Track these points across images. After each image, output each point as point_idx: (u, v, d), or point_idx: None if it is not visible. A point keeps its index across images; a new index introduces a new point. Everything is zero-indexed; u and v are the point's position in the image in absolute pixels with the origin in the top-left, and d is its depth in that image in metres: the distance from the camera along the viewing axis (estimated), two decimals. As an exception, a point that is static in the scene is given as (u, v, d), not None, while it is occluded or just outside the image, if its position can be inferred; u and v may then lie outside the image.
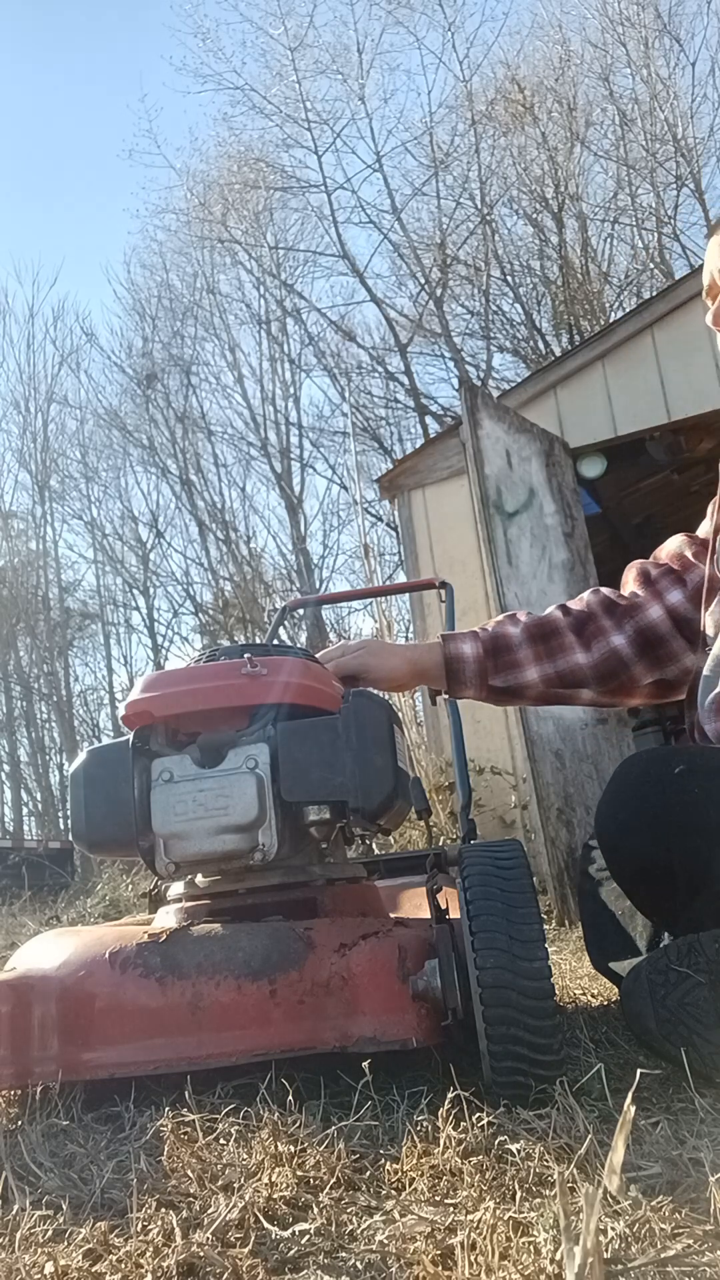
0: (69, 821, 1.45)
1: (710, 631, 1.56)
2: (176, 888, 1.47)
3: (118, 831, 1.36)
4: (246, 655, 1.41)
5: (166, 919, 1.44)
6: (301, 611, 13.43)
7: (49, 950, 1.36)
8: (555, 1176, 0.84)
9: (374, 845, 2.42)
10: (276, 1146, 0.99)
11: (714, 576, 1.59)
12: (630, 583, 1.74)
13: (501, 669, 1.67)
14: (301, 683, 1.38)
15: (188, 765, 1.36)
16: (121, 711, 1.43)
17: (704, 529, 1.72)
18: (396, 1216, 0.84)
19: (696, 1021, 1.17)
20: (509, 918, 1.14)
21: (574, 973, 2.15)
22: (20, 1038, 1.24)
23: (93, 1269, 0.79)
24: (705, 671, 1.53)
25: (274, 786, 1.34)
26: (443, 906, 1.25)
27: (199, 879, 1.44)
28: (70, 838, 1.47)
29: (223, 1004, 1.21)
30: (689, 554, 1.70)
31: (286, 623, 12.98)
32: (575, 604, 1.73)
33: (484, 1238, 0.75)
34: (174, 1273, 0.76)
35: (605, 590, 1.73)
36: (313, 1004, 1.20)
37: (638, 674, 1.66)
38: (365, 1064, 1.11)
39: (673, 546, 1.75)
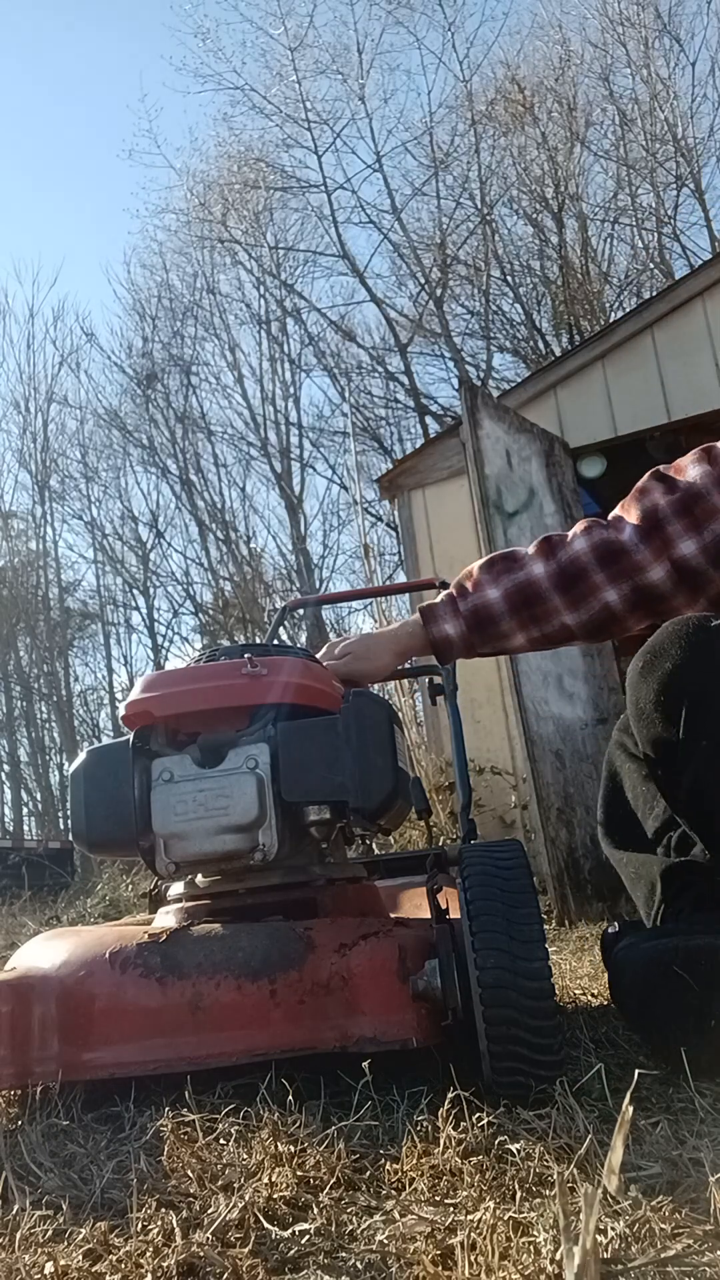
0: (69, 821, 1.45)
1: None
2: (177, 888, 1.47)
3: (118, 831, 1.37)
4: (247, 655, 1.41)
5: (166, 919, 1.44)
6: (301, 611, 13.43)
7: (49, 950, 1.36)
8: (555, 1176, 0.84)
9: (374, 845, 2.42)
10: (276, 1146, 0.99)
11: None
12: (634, 515, 1.56)
13: (487, 640, 1.62)
14: (301, 683, 1.39)
15: (188, 765, 1.36)
16: (122, 711, 1.43)
17: None
18: (396, 1216, 0.84)
19: (677, 1026, 1.18)
20: (509, 918, 1.14)
21: (574, 973, 2.15)
22: (20, 1038, 1.24)
23: (93, 1269, 0.79)
24: None
25: (274, 786, 1.34)
26: (443, 906, 1.25)
27: (199, 879, 1.44)
28: (70, 837, 1.47)
29: (223, 1004, 1.21)
30: (716, 498, 1.52)
31: (286, 623, 12.98)
32: (565, 551, 1.58)
33: (484, 1238, 0.75)
34: (174, 1273, 0.76)
35: (602, 532, 1.56)
36: (313, 1004, 1.20)
37: (630, 625, 1.60)
38: (365, 1064, 1.11)
39: (696, 478, 1.54)
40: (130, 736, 1.40)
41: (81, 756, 1.43)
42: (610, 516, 1.60)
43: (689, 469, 1.57)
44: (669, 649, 1.37)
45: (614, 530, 1.57)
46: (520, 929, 1.14)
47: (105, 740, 3.77)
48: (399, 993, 1.20)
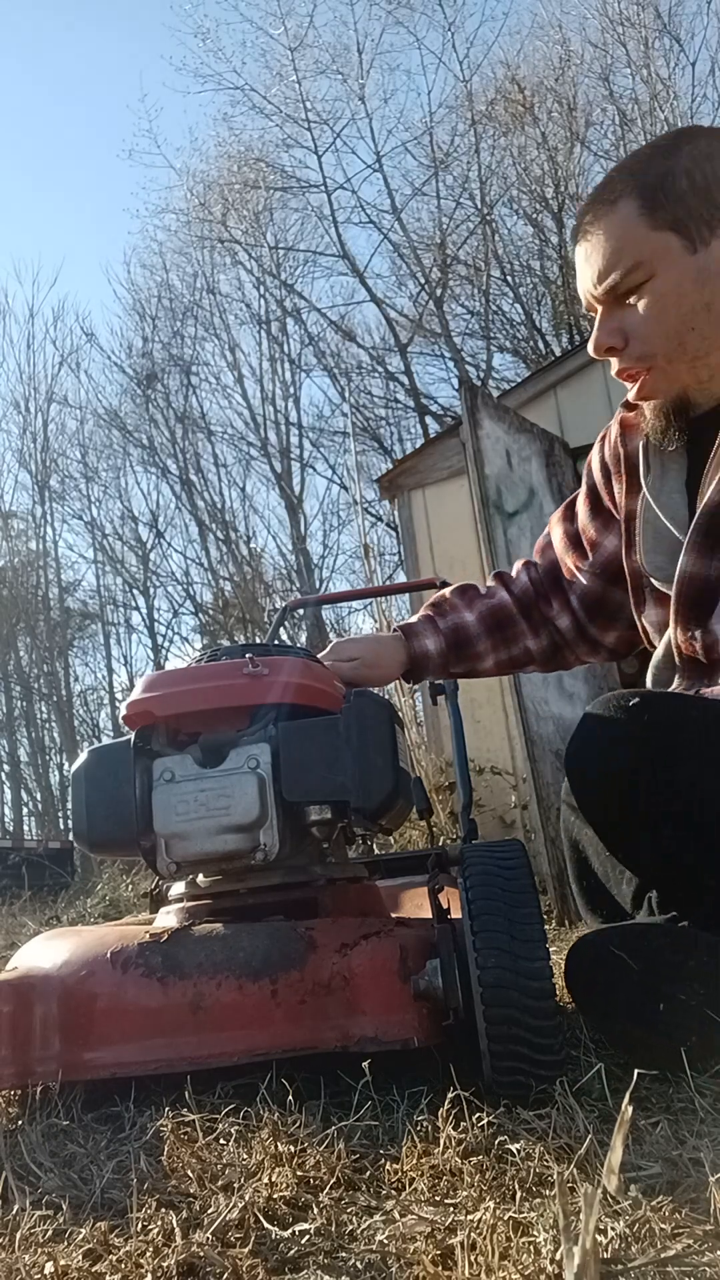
0: (70, 821, 1.45)
1: (653, 635, 1.54)
2: (177, 887, 1.47)
3: (119, 831, 1.37)
4: (248, 655, 1.41)
5: (167, 919, 1.44)
6: (301, 611, 13.43)
7: (50, 950, 1.36)
8: (555, 1176, 0.84)
9: (374, 845, 2.42)
10: (276, 1146, 0.99)
11: (636, 572, 1.53)
12: (543, 565, 1.75)
13: (462, 660, 1.74)
14: (303, 682, 1.39)
15: (189, 765, 1.36)
16: (123, 711, 1.43)
17: (583, 516, 1.66)
18: (396, 1216, 0.84)
19: (619, 1009, 1.18)
20: (510, 917, 1.14)
21: (574, 973, 2.15)
22: (21, 1037, 1.24)
23: (93, 1269, 0.79)
24: (649, 675, 1.53)
25: (275, 786, 1.34)
26: (444, 906, 1.25)
27: (200, 879, 1.44)
28: (71, 837, 1.47)
29: (224, 1004, 1.21)
30: (570, 561, 1.69)
31: (286, 623, 12.98)
32: (517, 584, 1.76)
33: (484, 1238, 0.75)
34: (174, 1273, 0.76)
35: (535, 572, 1.76)
36: (314, 1004, 1.20)
37: (571, 659, 1.79)
38: (365, 1064, 1.11)
39: (557, 541, 1.73)
40: (131, 736, 1.41)
41: (82, 756, 1.43)
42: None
43: (553, 530, 1.74)
44: (598, 737, 1.37)
45: (539, 574, 1.76)
46: (521, 929, 1.14)
47: (105, 740, 3.77)
48: (400, 993, 1.20)
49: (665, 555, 1.44)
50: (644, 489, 1.48)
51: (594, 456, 1.64)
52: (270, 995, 1.21)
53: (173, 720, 1.40)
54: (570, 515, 1.70)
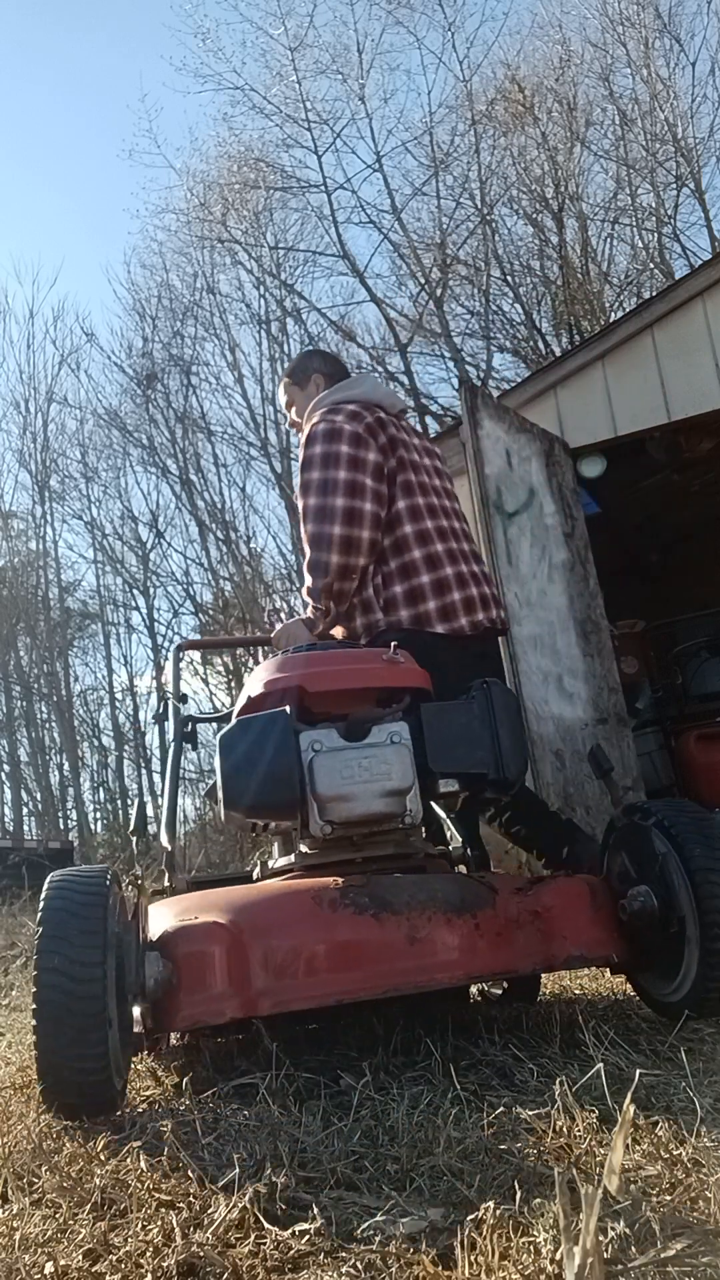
0: (221, 791, 1.49)
1: None
2: (280, 862, 1.58)
3: (281, 794, 1.45)
4: (394, 644, 1.59)
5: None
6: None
7: (214, 902, 1.42)
8: (555, 1176, 0.84)
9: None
10: (276, 1146, 0.99)
11: None
12: None
13: None
14: (424, 671, 1.59)
15: (335, 738, 1.47)
16: (261, 687, 1.54)
17: None
18: (396, 1216, 0.84)
19: None
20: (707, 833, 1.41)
21: (574, 973, 2.15)
22: (239, 974, 1.29)
23: (93, 1269, 0.79)
24: None
25: (417, 759, 1.48)
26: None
27: (304, 847, 1.53)
28: (220, 807, 1.51)
29: (437, 935, 1.34)
30: None
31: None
32: None
33: (484, 1238, 0.75)
34: (174, 1273, 0.76)
35: None
36: (508, 936, 1.39)
37: None
38: (365, 1064, 1.11)
39: None
40: (286, 708, 1.48)
41: (233, 726, 1.50)
42: None
43: None
44: None
45: None
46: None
47: (105, 740, 3.75)
48: (598, 918, 1.44)
49: None
50: None
51: None
52: (474, 928, 1.36)
53: (318, 697, 1.52)
54: None
